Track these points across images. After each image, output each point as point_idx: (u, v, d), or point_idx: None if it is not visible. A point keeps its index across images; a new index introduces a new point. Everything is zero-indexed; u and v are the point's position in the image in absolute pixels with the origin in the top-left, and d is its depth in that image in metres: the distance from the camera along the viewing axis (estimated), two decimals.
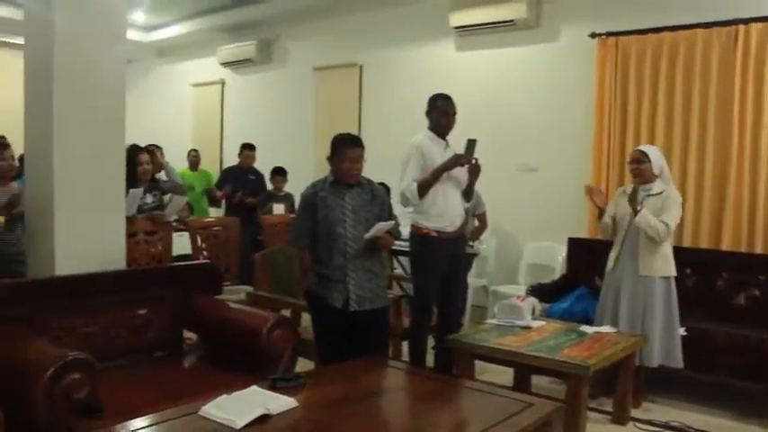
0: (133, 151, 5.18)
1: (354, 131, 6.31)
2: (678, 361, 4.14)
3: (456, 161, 4.09)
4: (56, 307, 3.29)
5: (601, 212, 4.34)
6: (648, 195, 4.16)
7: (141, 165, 5.06)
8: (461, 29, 6.61)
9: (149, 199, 5.00)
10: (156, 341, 3.72)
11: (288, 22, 8.37)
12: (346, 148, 3.44)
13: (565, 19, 6.12)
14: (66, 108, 3.62)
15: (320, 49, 8.16)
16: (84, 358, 2.75)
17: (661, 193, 4.17)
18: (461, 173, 4.20)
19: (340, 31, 7.91)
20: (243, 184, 6.99)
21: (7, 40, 8.80)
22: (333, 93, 8.00)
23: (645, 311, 4.13)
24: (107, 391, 2.83)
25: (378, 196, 3.57)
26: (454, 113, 4.22)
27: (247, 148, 7.23)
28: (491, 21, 6.33)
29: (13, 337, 2.97)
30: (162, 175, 5.70)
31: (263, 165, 7.26)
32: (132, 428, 2.33)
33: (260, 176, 7.24)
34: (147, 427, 2.38)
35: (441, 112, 4.20)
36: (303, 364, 3.82)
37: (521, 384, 4.06)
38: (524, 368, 3.84)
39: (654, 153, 4.25)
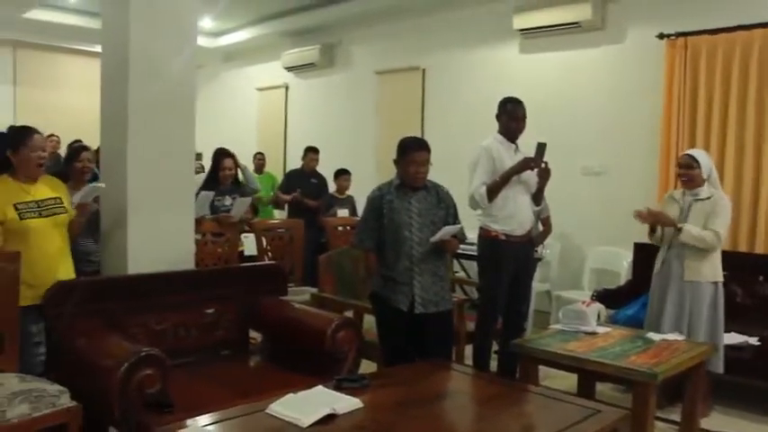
0: (219, 156, 5.31)
1: (417, 135, 6.33)
2: (719, 366, 4.05)
3: (525, 165, 4.07)
4: (131, 305, 3.41)
5: (653, 228, 4.26)
6: (696, 200, 4.07)
7: (224, 170, 5.18)
8: (525, 31, 6.56)
9: (228, 201, 5.12)
10: (223, 340, 3.81)
11: (350, 27, 8.45)
12: (413, 151, 3.46)
13: (631, 20, 6.01)
14: (139, 113, 3.73)
15: (382, 53, 8.21)
16: (156, 355, 2.85)
17: (710, 197, 4.05)
18: (531, 176, 4.17)
19: (402, 35, 7.94)
20: (305, 187, 7.07)
21: (85, 48, 9.20)
22: (395, 96, 8.03)
23: (691, 316, 4.05)
24: (177, 387, 2.92)
25: (443, 199, 3.57)
26: (524, 117, 4.20)
27: (311, 152, 7.31)
28: (555, 23, 6.28)
29: (90, 332, 3.10)
30: (240, 177, 5.82)
31: (326, 168, 7.32)
32: (202, 424, 2.38)
33: (322, 180, 7.30)
34: (217, 422, 2.43)
35: (510, 116, 4.18)
36: (366, 366, 3.85)
37: (585, 391, 3.99)
38: (589, 374, 3.77)
39: (703, 157, 4.12)
